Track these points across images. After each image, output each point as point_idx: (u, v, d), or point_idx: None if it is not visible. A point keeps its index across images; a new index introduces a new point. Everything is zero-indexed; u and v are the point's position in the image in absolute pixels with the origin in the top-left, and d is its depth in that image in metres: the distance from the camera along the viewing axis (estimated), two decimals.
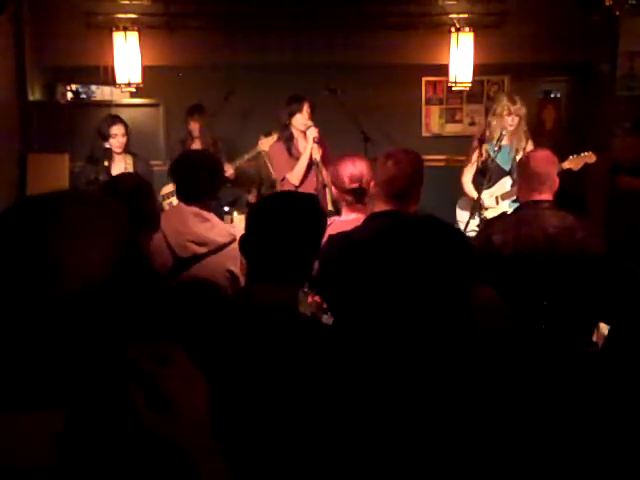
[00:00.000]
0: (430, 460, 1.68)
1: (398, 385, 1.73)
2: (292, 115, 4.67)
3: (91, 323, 0.80)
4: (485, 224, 3.33)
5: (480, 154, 4.61)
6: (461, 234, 1.85)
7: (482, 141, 4.64)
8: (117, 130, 4.68)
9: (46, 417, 0.80)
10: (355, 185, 2.91)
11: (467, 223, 4.27)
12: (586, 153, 4.29)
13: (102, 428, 0.85)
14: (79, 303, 0.78)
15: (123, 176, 3.37)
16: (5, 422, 0.79)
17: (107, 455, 0.84)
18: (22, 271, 0.78)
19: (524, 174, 3.04)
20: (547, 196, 2.96)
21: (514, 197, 4.39)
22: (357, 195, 2.93)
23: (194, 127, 5.21)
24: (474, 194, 4.50)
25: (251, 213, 1.78)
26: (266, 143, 4.96)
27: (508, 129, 4.47)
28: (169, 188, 4.84)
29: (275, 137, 4.90)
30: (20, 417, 0.79)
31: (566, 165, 4.22)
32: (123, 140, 4.71)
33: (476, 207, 4.27)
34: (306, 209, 1.71)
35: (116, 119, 4.79)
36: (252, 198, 5.57)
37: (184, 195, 3.02)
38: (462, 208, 4.90)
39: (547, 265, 2.83)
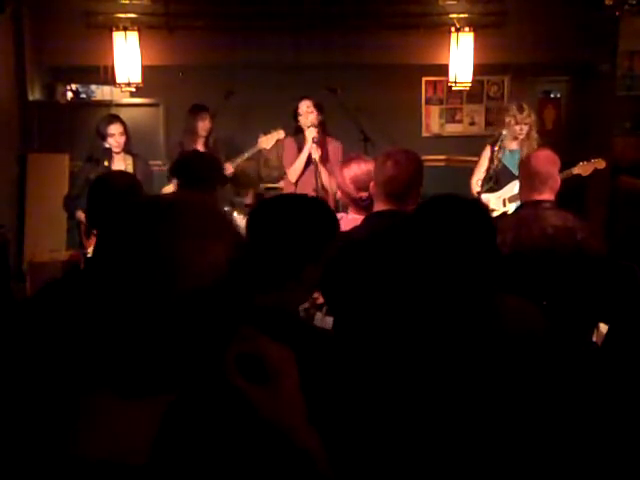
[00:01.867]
0: (434, 459, 1.67)
1: (401, 387, 1.72)
2: (295, 113, 4.72)
3: (205, 318, 0.85)
4: None
5: (491, 160, 4.63)
6: (471, 231, 1.84)
7: (493, 146, 4.66)
8: (115, 129, 4.65)
9: (155, 403, 0.86)
10: (364, 194, 2.88)
11: None
12: (596, 159, 4.29)
13: (204, 415, 0.92)
14: (196, 299, 0.83)
15: (114, 174, 3.39)
16: (119, 406, 0.85)
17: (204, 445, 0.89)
18: (145, 270, 0.82)
19: (525, 174, 3.04)
20: (548, 196, 2.95)
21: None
22: (365, 205, 2.91)
23: (201, 126, 5.19)
24: (482, 197, 4.53)
25: (251, 215, 1.78)
26: (266, 141, 4.97)
27: (518, 138, 4.53)
28: (169, 188, 4.83)
29: (277, 135, 4.93)
30: (133, 403, 0.85)
31: (576, 171, 4.22)
32: (121, 139, 4.68)
33: None
34: (306, 213, 1.69)
35: (114, 118, 4.76)
36: (248, 199, 5.57)
37: (183, 178, 3.15)
38: None
39: (546, 265, 2.83)
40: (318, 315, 2.54)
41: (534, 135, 4.63)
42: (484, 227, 1.83)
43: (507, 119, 4.62)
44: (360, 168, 2.90)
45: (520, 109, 4.60)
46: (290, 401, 1.02)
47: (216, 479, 0.89)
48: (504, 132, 4.44)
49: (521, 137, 4.58)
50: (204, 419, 0.93)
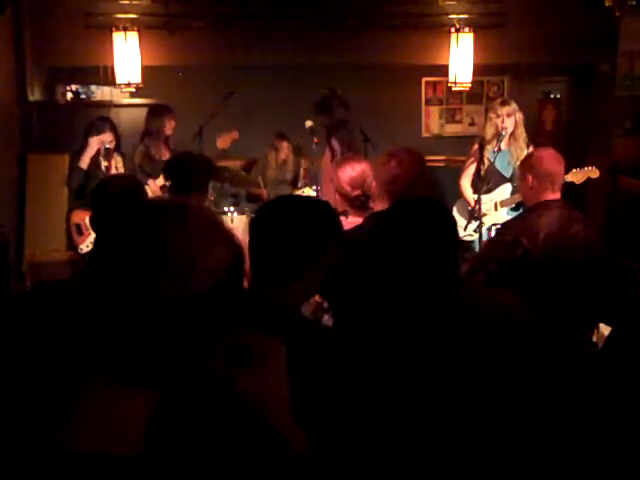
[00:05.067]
0: (435, 456, 1.68)
1: (401, 384, 1.73)
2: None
3: (205, 317, 0.87)
4: (504, 226, 3.26)
5: (480, 159, 4.53)
6: (444, 214, 1.89)
7: (482, 146, 4.57)
8: (105, 138, 4.59)
9: (149, 395, 0.87)
10: (359, 192, 2.89)
11: (465, 227, 4.24)
12: (589, 168, 4.20)
13: (190, 410, 0.94)
14: (199, 299, 0.85)
15: (116, 178, 3.39)
16: (116, 394, 0.86)
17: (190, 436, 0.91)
18: (151, 270, 0.83)
19: (535, 174, 2.96)
20: (558, 195, 2.96)
21: (513, 204, 4.35)
22: (361, 202, 2.91)
23: (170, 126, 5.14)
24: (471, 198, 4.45)
25: (255, 216, 1.80)
26: (222, 142, 4.99)
27: (504, 131, 4.37)
28: (159, 181, 4.80)
29: (232, 136, 4.99)
30: (130, 391, 0.86)
31: (569, 178, 4.12)
32: (111, 145, 4.66)
33: (474, 212, 4.24)
34: (307, 214, 1.71)
35: (106, 124, 4.69)
36: (264, 194, 5.53)
37: (176, 185, 3.19)
38: (459, 211, 4.85)
39: (569, 265, 2.82)
40: (325, 317, 2.55)
41: (523, 135, 4.47)
42: (444, 227, 1.87)
43: (489, 112, 4.54)
44: (354, 170, 2.91)
45: (503, 102, 4.50)
46: (273, 387, 1.05)
47: (204, 470, 0.90)
48: (503, 133, 4.36)
49: (504, 133, 4.36)
50: (192, 412, 0.95)
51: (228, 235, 0.91)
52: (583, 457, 1.99)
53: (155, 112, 5.11)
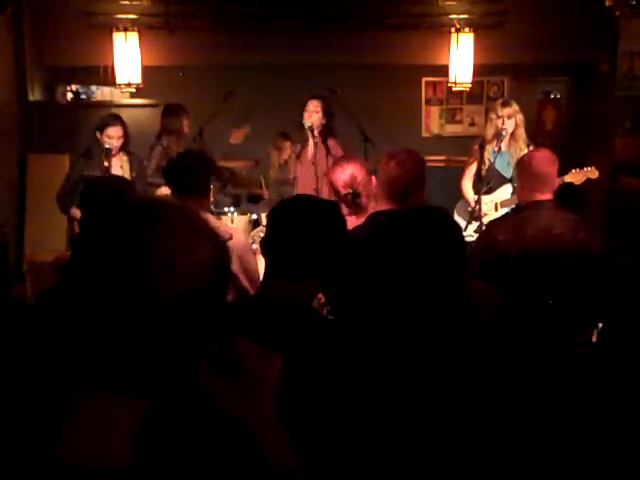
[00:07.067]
0: (431, 453, 1.68)
1: (403, 381, 1.73)
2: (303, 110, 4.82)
3: (192, 319, 0.85)
4: (489, 225, 3.31)
5: (481, 159, 4.53)
6: (450, 224, 1.89)
7: (482, 146, 4.57)
8: (114, 132, 4.58)
9: (138, 403, 0.86)
10: (346, 191, 2.93)
11: (465, 228, 4.24)
12: (589, 168, 4.19)
13: (178, 418, 0.93)
14: (182, 300, 0.83)
15: (104, 180, 3.38)
16: (103, 404, 0.84)
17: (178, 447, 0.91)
18: (131, 270, 0.81)
19: (525, 174, 3.05)
20: (549, 196, 2.98)
21: (513, 205, 4.36)
22: (349, 202, 2.95)
23: (186, 124, 5.19)
24: (472, 199, 4.46)
25: (273, 214, 1.86)
26: (237, 136, 5.01)
27: (503, 133, 4.35)
28: (165, 190, 4.79)
29: (245, 130, 5.03)
30: (117, 400, 0.84)
31: (568, 179, 4.12)
32: (119, 142, 4.62)
33: (474, 213, 4.24)
34: (326, 213, 1.81)
35: (116, 119, 4.72)
36: (266, 194, 5.52)
37: (177, 189, 3.15)
38: (460, 212, 4.84)
39: (552, 265, 2.84)
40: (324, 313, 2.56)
41: (522, 136, 4.46)
42: (452, 240, 1.86)
43: (490, 113, 4.55)
44: (344, 173, 2.98)
45: (504, 104, 4.48)
46: (260, 404, 1.04)
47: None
48: (504, 133, 4.37)
49: (504, 133, 4.35)
50: (178, 420, 0.95)
51: (213, 234, 0.90)
52: (581, 456, 1.99)
53: (172, 111, 5.18)
